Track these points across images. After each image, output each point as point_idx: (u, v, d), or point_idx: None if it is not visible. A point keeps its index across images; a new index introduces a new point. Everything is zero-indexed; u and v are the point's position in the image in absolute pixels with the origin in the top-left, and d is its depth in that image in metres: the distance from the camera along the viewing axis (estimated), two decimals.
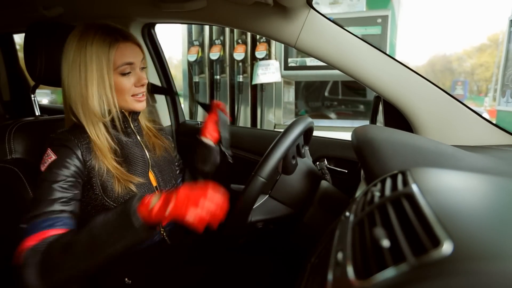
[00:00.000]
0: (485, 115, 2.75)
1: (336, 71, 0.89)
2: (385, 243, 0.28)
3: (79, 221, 0.67)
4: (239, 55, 2.37)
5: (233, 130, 1.05)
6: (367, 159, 0.60)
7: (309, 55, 0.89)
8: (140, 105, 0.78)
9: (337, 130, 2.17)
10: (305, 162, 0.83)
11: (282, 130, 0.72)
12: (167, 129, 1.40)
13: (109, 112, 0.74)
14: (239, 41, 2.39)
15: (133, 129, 0.82)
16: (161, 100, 1.41)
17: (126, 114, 0.79)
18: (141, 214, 0.58)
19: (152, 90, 1.35)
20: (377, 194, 0.40)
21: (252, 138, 1.32)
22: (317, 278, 0.38)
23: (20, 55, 1.72)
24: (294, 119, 0.88)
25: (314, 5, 0.86)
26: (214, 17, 0.99)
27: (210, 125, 0.96)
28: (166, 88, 1.41)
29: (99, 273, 0.75)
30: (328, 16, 0.87)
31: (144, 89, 0.78)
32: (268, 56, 2.30)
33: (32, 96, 1.03)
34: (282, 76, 2.36)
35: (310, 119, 0.79)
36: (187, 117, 1.60)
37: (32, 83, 0.96)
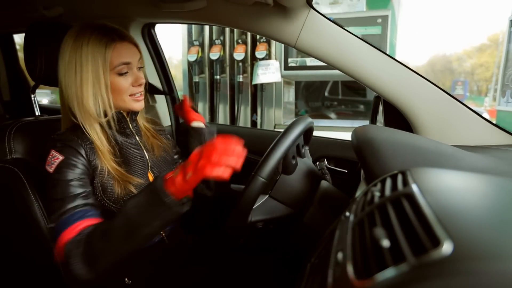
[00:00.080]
0: (485, 115, 2.75)
1: (336, 71, 0.89)
2: (385, 243, 0.28)
3: None
4: (239, 55, 2.37)
5: (233, 130, 1.05)
6: (367, 159, 0.60)
7: (309, 55, 0.89)
8: (138, 105, 0.78)
9: (337, 130, 2.18)
10: (305, 162, 0.83)
11: (282, 130, 0.72)
12: (167, 129, 1.40)
13: (105, 113, 0.73)
14: (239, 41, 2.39)
15: (132, 129, 0.82)
16: (161, 100, 1.41)
17: (124, 114, 0.79)
18: (168, 190, 0.58)
19: (152, 90, 1.35)
20: (377, 194, 0.40)
21: (252, 138, 1.32)
22: (317, 278, 0.38)
23: (20, 55, 1.72)
24: (294, 119, 0.87)
25: (314, 5, 0.86)
26: (214, 17, 0.99)
27: (189, 111, 1.01)
28: (166, 88, 1.41)
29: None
30: (328, 16, 0.87)
31: (141, 88, 0.78)
32: (268, 56, 2.30)
33: (32, 96, 1.02)
34: (282, 76, 2.36)
35: (310, 119, 0.78)
36: None
37: (32, 83, 0.96)
